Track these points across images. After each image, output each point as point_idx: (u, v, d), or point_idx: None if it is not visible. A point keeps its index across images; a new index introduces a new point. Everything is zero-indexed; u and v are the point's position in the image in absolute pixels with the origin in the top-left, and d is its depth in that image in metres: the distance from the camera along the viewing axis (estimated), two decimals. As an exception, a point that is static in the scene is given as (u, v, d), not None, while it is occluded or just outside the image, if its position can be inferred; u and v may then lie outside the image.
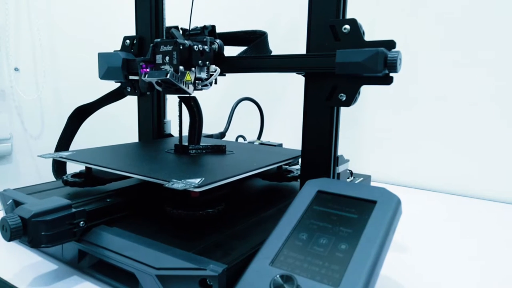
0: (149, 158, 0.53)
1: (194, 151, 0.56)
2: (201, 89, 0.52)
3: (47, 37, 1.43)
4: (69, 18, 1.39)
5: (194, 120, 0.57)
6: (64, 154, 0.53)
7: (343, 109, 0.47)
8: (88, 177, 0.52)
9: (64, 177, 0.53)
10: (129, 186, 0.52)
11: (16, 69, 1.45)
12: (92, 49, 0.71)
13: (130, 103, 0.73)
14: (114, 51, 0.61)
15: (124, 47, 0.63)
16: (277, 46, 0.61)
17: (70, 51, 1.40)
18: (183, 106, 0.57)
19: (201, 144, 0.58)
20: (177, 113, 0.57)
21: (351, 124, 0.91)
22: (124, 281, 0.38)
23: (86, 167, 0.52)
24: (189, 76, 0.48)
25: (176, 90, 0.48)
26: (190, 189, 0.37)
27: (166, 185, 0.37)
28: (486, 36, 0.74)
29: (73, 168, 0.64)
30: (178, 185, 0.37)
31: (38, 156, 0.53)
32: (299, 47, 0.49)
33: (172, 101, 0.71)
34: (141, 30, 0.65)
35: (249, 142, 0.80)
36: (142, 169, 0.45)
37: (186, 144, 0.57)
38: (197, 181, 0.38)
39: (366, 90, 0.89)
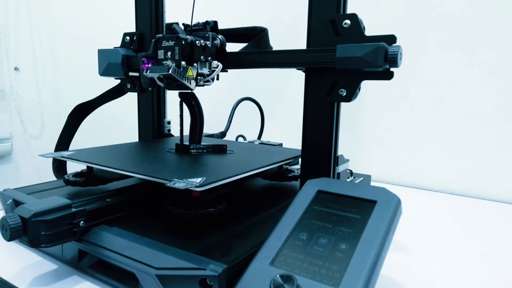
0: (150, 157, 0.52)
1: (195, 150, 0.56)
2: (203, 85, 0.52)
3: (47, 37, 1.43)
4: (69, 17, 1.39)
5: (195, 119, 0.57)
6: (65, 153, 0.53)
7: (343, 109, 0.46)
8: (89, 177, 0.52)
9: (66, 177, 0.52)
10: (130, 186, 0.52)
11: (16, 69, 1.44)
12: (92, 49, 0.71)
13: (130, 103, 0.73)
14: (114, 47, 0.61)
15: (124, 44, 0.63)
16: (278, 44, 0.61)
17: (70, 51, 1.39)
18: (184, 106, 0.57)
19: (202, 143, 0.57)
20: (178, 113, 0.57)
21: (351, 124, 0.91)
22: (124, 281, 0.38)
23: (87, 166, 0.52)
24: (191, 72, 0.48)
25: (178, 85, 0.48)
26: (192, 189, 0.37)
27: (168, 185, 0.37)
28: (486, 36, 0.74)
29: (73, 167, 0.64)
30: (179, 184, 0.37)
31: (39, 155, 0.53)
32: (300, 46, 0.48)
33: (172, 100, 0.71)
34: (141, 26, 0.65)
35: (249, 142, 0.80)
36: (144, 168, 0.45)
37: (187, 143, 0.57)
38: (198, 180, 0.38)
39: (366, 90, 0.89)
